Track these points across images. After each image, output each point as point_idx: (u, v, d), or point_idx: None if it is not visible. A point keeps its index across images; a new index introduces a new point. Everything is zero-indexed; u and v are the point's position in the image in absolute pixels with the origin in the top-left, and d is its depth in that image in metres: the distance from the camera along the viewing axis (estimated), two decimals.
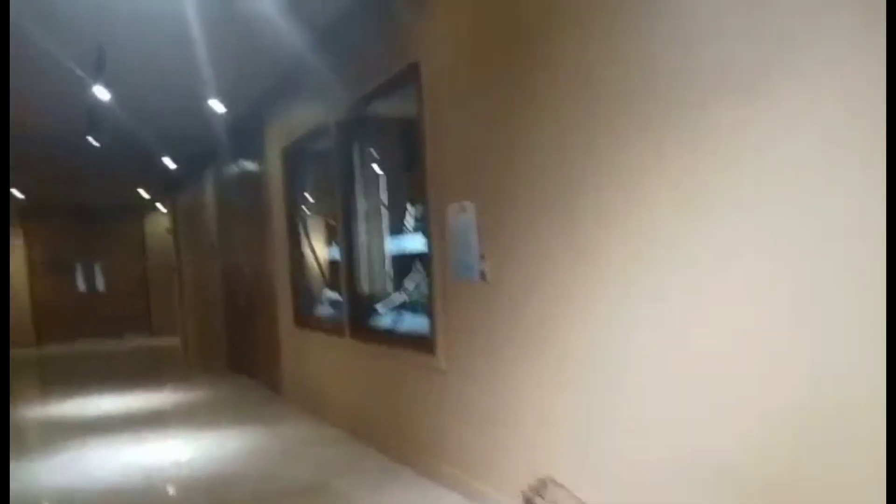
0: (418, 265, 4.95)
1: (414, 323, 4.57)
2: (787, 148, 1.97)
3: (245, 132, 7.13)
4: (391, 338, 4.55)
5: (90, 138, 7.09)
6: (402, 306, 5.07)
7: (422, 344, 4.06)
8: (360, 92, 4.74)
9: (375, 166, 5.25)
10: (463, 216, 3.53)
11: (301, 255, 6.42)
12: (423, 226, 4.74)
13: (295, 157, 6.32)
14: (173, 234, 12.81)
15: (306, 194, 6.45)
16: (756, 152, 2.06)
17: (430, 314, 3.95)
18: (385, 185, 5.27)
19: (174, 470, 4.69)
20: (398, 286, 5.15)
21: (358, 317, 5.12)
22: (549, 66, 2.89)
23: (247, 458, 4.84)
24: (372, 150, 5.23)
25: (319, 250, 6.43)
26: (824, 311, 1.90)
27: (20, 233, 14.02)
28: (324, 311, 6.19)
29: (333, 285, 6.40)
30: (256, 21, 4.70)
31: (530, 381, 3.15)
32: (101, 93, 5.24)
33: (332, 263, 6.42)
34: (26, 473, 4.77)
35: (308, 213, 6.47)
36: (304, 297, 6.39)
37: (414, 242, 4.93)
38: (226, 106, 6.45)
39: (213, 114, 6.66)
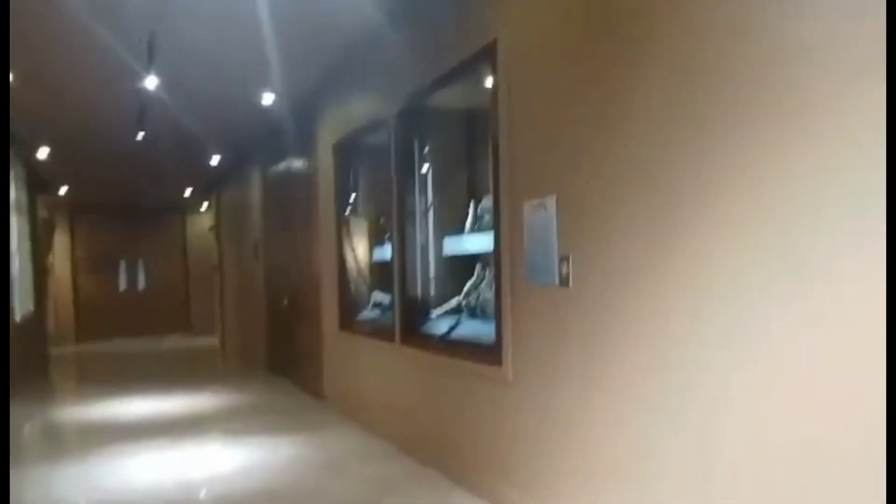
0: (479, 267, 4.60)
1: (474, 330, 4.21)
2: None
3: (295, 126, 6.87)
4: (449, 345, 4.19)
5: (139, 133, 6.92)
6: (459, 311, 4.72)
7: (485, 353, 3.70)
8: (422, 81, 4.42)
9: (435, 161, 4.91)
10: (541, 214, 3.17)
11: (349, 256, 6.11)
12: (486, 224, 4.42)
13: (347, 153, 6.03)
14: (216, 233, 12.67)
15: (358, 191, 6.15)
16: None
17: (496, 321, 3.58)
18: (445, 181, 4.93)
19: (213, 484, 4.39)
20: (456, 290, 4.81)
21: (410, 322, 4.78)
22: (651, 48, 2.52)
23: (289, 472, 4.52)
24: (432, 143, 4.90)
25: (369, 251, 6.11)
26: None
27: (66, 230, 14.04)
28: (371, 314, 5.87)
29: (382, 288, 6.09)
30: (311, 5, 4.42)
31: (608, 401, 2.76)
32: (151, 82, 5.01)
33: (382, 265, 6.11)
34: (62, 480, 4.54)
35: (359, 211, 6.16)
36: (351, 299, 6.07)
37: (475, 242, 4.58)
38: (276, 98, 6.20)
39: (263, 107, 6.42)
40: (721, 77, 2.23)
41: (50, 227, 12.81)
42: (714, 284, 2.28)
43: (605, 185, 2.80)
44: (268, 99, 6.19)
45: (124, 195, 13.22)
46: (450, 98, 4.57)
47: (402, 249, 4.85)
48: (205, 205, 14.16)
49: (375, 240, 6.04)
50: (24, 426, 6.33)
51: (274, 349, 8.75)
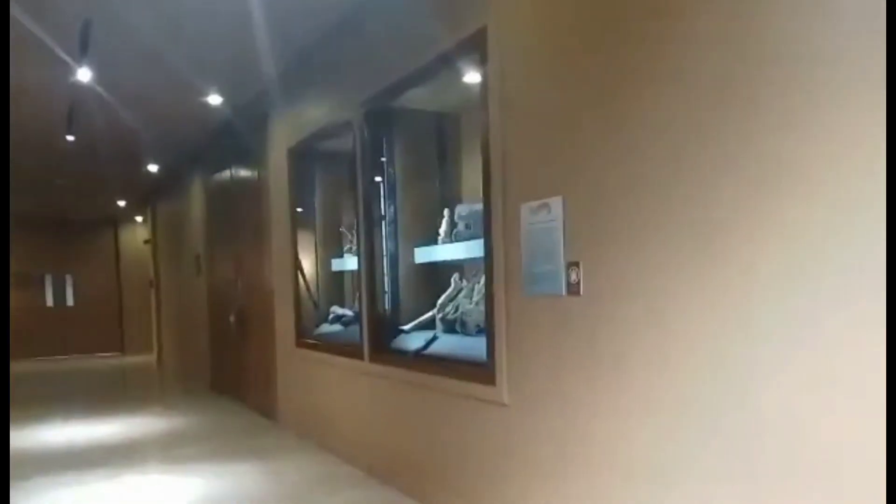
0: (456, 278, 4.29)
1: (455, 345, 3.88)
2: None
3: (244, 130, 6.42)
4: (428, 362, 3.85)
5: (69, 136, 6.35)
6: (432, 325, 4.39)
7: (475, 371, 3.37)
8: (393, 77, 4.09)
9: (406, 165, 4.58)
10: (543, 217, 2.87)
11: (307, 268, 5.70)
12: (463, 233, 4.11)
13: (304, 158, 5.63)
14: (152, 247, 11.98)
15: (315, 199, 5.75)
16: None
17: (488, 336, 3.26)
18: (416, 186, 4.60)
19: None
20: (428, 303, 4.47)
21: (380, 337, 4.42)
22: (681, 30, 2.27)
23: None
24: (403, 146, 4.57)
25: (327, 262, 5.72)
26: None
27: None
28: (332, 329, 5.47)
29: (343, 301, 5.71)
30: None
31: (622, 426, 2.48)
32: (84, 74, 4.51)
33: (343, 276, 5.73)
34: None
35: (317, 219, 5.77)
36: (308, 314, 5.66)
37: (449, 252, 4.27)
38: (224, 99, 5.76)
39: (208, 108, 5.97)
40: (762, 66, 1.98)
41: None
42: (749, 297, 2.02)
43: (620, 184, 2.52)
44: (214, 100, 5.74)
45: (51, 205, 12.37)
46: (423, 97, 4.25)
47: (370, 259, 4.49)
48: (140, 217, 13.43)
49: (335, 250, 5.66)
50: None
51: (219, 368, 8.22)
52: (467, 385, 3.43)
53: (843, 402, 1.82)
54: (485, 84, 3.24)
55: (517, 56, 3.04)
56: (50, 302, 13.97)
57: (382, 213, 4.48)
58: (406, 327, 4.45)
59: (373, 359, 4.41)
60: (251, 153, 6.52)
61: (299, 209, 5.71)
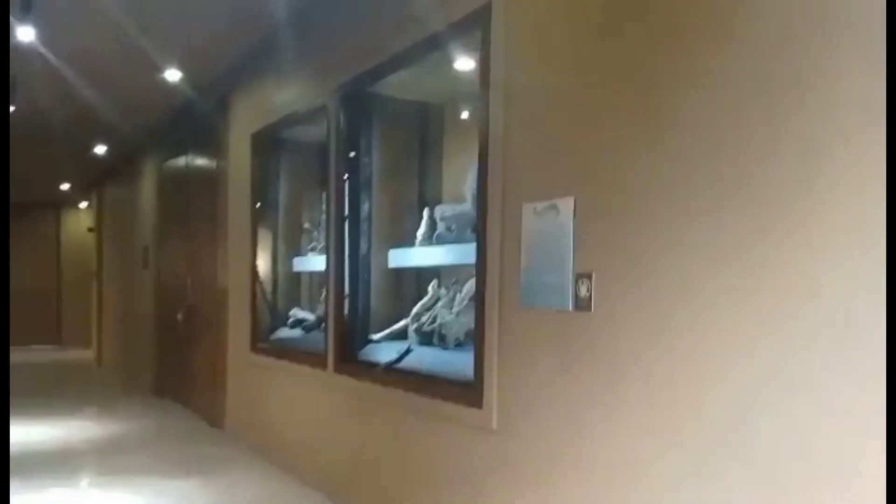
0: (434, 285, 3.91)
1: (431, 360, 3.50)
2: None
3: (204, 113, 5.93)
4: (403, 378, 3.45)
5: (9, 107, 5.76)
6: (404, 336, 4.01)
7: (458, 391, 3.00)
8: (373, 60, 3.70)
9: (383, 159, 4.18)
10: (550, 219, 2.52)
11: (267, 267, 5.25)
12: (444, 235, 3.74)
13: (268, 145, 5.19)
14: (96, 235, 11.30)
15: (279, 191, 5.31)
16: None
17: (476, 352, 2.89)
18: (392, 183, 4.21)
19: None
20: (400, 311, 4.09)
21: (347, 346, 4.00)
22: (726, 25, 1.94)
23: None
24: (381, 138, 4.17)
25: (290, 261, 5.28)
26: None
27: None
28: (291, 334, 5.04)
29: (303, 303, 5.28)
30: None
31: (633, 463, 2.14)
32: (27, 34, 4.00)
33: (305, 277, 5.31)
34: None
35: (279, 214, 5.32)
36: (268, 317, 5.21)
37: (427, 256, 3.90)
38: (183, 75, 5.27)
39: (165, 86, 5.47)
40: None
41: None
42: (794, 317, 1.70)
43: (644, 187, 2.18)
44: (173, 75, 5.24)
45: None
46: (405, 84, 3.88)
47: (339, 260, 4.07)
48: (84, 203, 12.70)
49: (298, 248, 5.23)
50: None
51: (164, 369, 7.66)
52: (448, 406, 3.05)
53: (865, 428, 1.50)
54: (485, 67, 2.86)
55: (527, 36, 2.68)
56: None
57: (355, 209, 4.07)
58: (376, 336, 4.05)
59: (338, 369, 4.00)
60: (210, 138, 6.04)
61: (265, 202, 5.25)
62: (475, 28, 2.91)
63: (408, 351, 3.68)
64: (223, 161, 5.85)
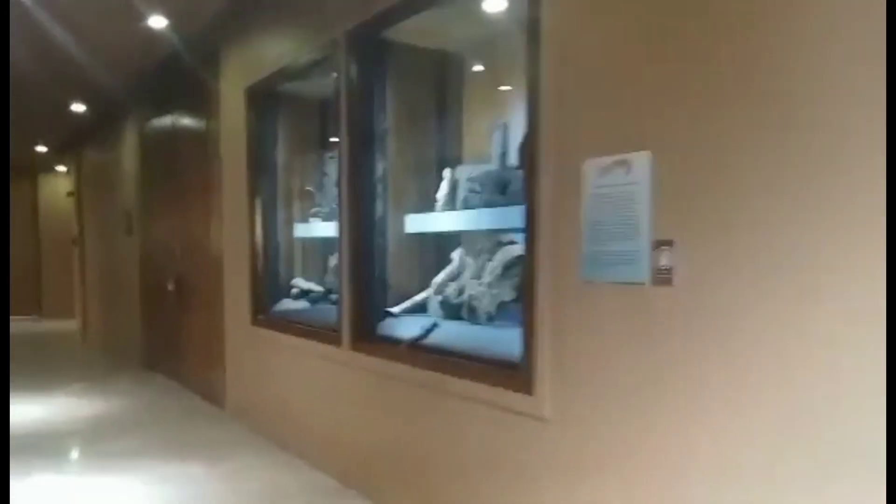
0: (461, 254, 3.57)
1: (460, 335, 3.16)
2: None
3: (191, 66, 5.46)
4: (432, 357, 3.11)
5: None
6: (423, 309, 3.68)
7: (502, 374, 2.66)
8: (383, 3, 3.29)
9: (398, 114, 3.79)
10: (619, 177, 2.16)
11: (266, 234, 4.86)
12: (467, 199, 3.38)
13: (265, 101, 4.76)
14: (76, 200, 10.78)
15: (278, 150, 4.89)
16: None
17: (524, 330, 2.55)
18: (409, 141, 3.83)
19: None
20: (423, 281, 3.75)
21: (364, 320, 3.65)
22: None
23: None
24: (396, 90, 3.77)
25: (292, 227, 4.90)
26: None
27: None
28: (295, 306, 4.68)
29: (308, 273, 4.92)
30: None
31: (715, 454, 1.83)
32: None
33: (310, 244, 4.93)
34: None
35: (279, 176, 4.91)
36: (269, 287, 4.84)
37: (448, 222, 3.54)
38: (170, 23, 4.80)
39: (148, 35, 4.99)
40: None
41: None
42: None
43: (740, 138, 1.83)
44: (158, 22, 4.76)
45: None
46: (424, 28, 3.47)
47: (353, 226, 3.69)
48: (63, 166, 12.14)
49: (300, 213, 4.85)
50: None
51: (153, 341, 7.29)
52: (489, 389, 2.72)
53: None
54: (535, 5, 2.47)
55: None
56: None
57: (370, 171, 3.69)
58: (395, 310, 3.70)
59: (354, 346, 3.65)
60: (200, 94, 5.57)
61: (264, 162, 4.83)
62: None
63: (434, 326, 3.34)
64: (214, 119, 5.41)
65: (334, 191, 3.99)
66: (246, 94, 4.80)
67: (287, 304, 4.74)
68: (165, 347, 6.86)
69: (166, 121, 6.65)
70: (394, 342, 3.40)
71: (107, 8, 4.54)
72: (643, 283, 2.10)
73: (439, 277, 3.61)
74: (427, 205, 3.71)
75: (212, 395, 5.59)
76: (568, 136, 2.36)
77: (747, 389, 1.82)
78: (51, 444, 4.63)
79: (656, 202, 2.06)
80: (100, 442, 4.72)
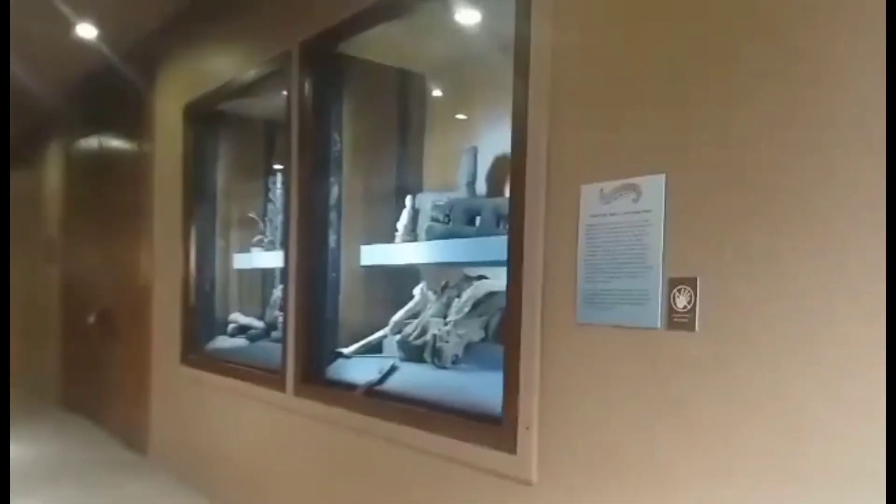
0: (422, 289, 3.23)
1: (423, 380, 2.81)
2: None
3: (124, 80, 5.01)
4: (393, 404, 2.74)
5: None
6: (378, 350, 3.33)
7: (479, 428, 2.31)
8: (347, 10, 2.99)
9: (354, 136, 3.45)
10: (625, 205, 1.87)
11: (204, 262, 4.42)
12: (433, 229, 3.06)
13: (206, 118, 4.37)
14: None
15: (217, 174, 4.48)
16: None
17: (506, 378, 2.21)
18: (366, 165, 3.49)
19: None
20: (378, 320, 3.39)
21: (312, 362, 3.26)
22: None
23: None
24: (351, 110, 3.44)
25: (230, 258, 4.48)
26: None
27: None
28: (232, 344, 4.24)
29: (246, 308, 4.50)
30: None
31: None
32: None
33: (250, 276, 4.52)
34: None
35: (218, 201, 4.50)
36: (203, 322, 4.39)
37: (410, 254, 3.21)
38: (100, 33, 4.38)
39: (76, 46, 4.56)
40: None
41: None
42: None
43: (768, 158, 1.57)
44: (87, 32, 4.32)
45: None
46: (387, 42, 3.17)
47: (302, 257, 3.31)
48: None
49: (240, 242, 4.44)
50: None
51: (72, 379, 6.65)
52: (461, 446, 2.37)
53: None
54: (523, 13, 2.19)
55: None
56: None
57: (324, 196, 3.33)
58: (347, 350, 3.32)
59: (299, 391, 3.25)
60: (133, 111, 5.11)
61: (202, 186, 4.41)
62: None
63: (392, 369, 2.98)
64: (148, 139, 4.96)
65: (280, 218, 3.61)
66: (184, 111, 4.39)
67: (223, 342, 4.29)
68: (85, 386, 6.24)
69: (95, 139, 6.13)
70: (346, 387, 3.02)
71: (29, 12, 4.08)
72: (654, 328, 1.80)
73: (398, 315, 3.26)
74: (385, 235, 3.37)
75: (133, 439, 5.04)
76: (562, 159, 2.07)
77: (799, 471, 1.53)
78: None
79: (670, 233, 1.78)
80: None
